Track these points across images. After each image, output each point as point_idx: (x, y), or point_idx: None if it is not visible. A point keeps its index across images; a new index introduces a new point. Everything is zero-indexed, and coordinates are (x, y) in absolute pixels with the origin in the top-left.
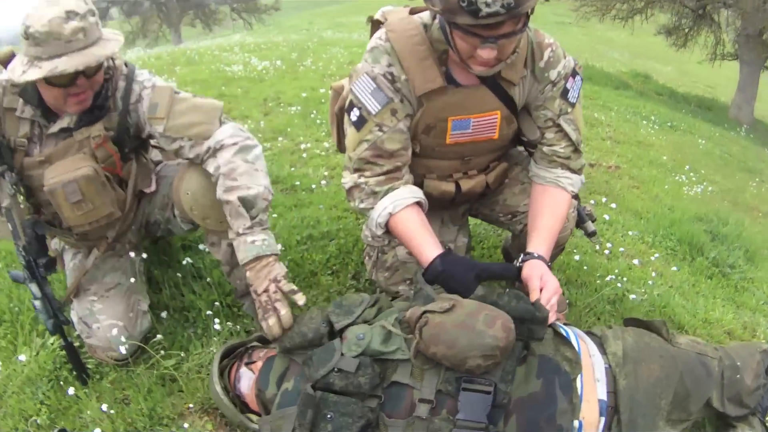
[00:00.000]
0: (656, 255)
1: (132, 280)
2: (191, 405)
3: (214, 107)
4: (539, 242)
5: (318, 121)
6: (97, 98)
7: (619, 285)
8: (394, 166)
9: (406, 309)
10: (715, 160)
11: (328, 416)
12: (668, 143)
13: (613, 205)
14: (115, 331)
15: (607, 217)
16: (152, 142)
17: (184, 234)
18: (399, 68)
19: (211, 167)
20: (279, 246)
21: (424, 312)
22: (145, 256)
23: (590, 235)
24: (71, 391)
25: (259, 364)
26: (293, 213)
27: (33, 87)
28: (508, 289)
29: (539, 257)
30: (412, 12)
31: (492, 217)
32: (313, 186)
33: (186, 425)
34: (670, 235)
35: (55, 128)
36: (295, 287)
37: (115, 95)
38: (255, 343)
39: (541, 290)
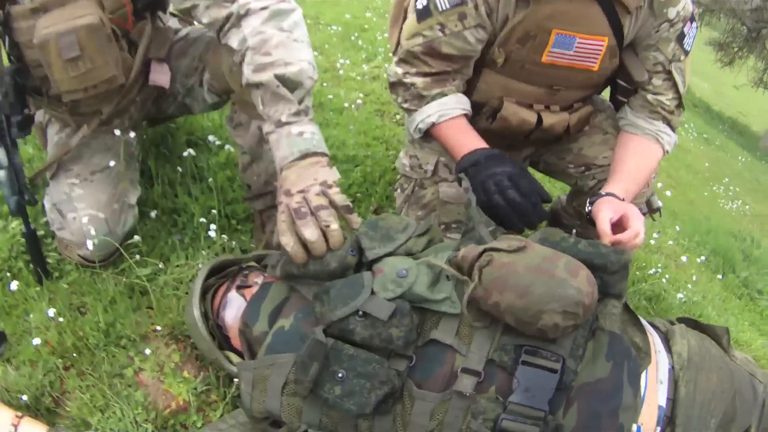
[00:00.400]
0: (699, 259)
1: (115, 164)
2: (159, 327)
3: None
4: (620, 185)
5: (360, 43)
6: None
7: (664, 281)
8: (444, 69)
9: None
10: (745, 182)
11: (339, 375)
12: (704, 153)
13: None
14: (89, 224)
15: None
16: None
17: (202, 111)
18: None
19: (234, 40)
20: None
21: (486, 250)
22: (132, 135)
23: (654, 211)
24: (14, 285)
25: (254, 290)
26: None
27: None
28: (575, 230)
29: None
30: None
31: (558, 168)
32: (346, 106)
33: (147, 351)
34: (705, 243)
35: None
36: (350, 203)
37: None
38: (252, 264)
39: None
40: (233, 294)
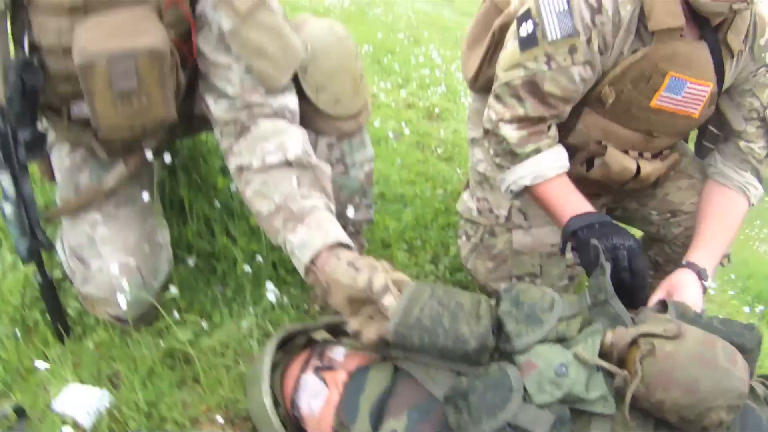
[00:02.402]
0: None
1: (147, 197)
2: (211, 408)
3: (297, 52)
4: (704, 251)
5: (395, 67)
6: None
7: None
8: (541, 114)
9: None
10: None
11: None
12: None
13: None
14: (120, 275)
15: None
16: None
17: None
18: None
19: (244, 154)
20: None
21: (642, 335)
22: (168, 160)
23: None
24: (39, 365)
25: (341, 375)
26: None
27: None
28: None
29: (692, 267)
30: None
31: (639, 214)
32: (389, 135)
33: None
34: (747, 288)
35: None
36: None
37: None
38: (324, 335)
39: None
40: (310, 377)
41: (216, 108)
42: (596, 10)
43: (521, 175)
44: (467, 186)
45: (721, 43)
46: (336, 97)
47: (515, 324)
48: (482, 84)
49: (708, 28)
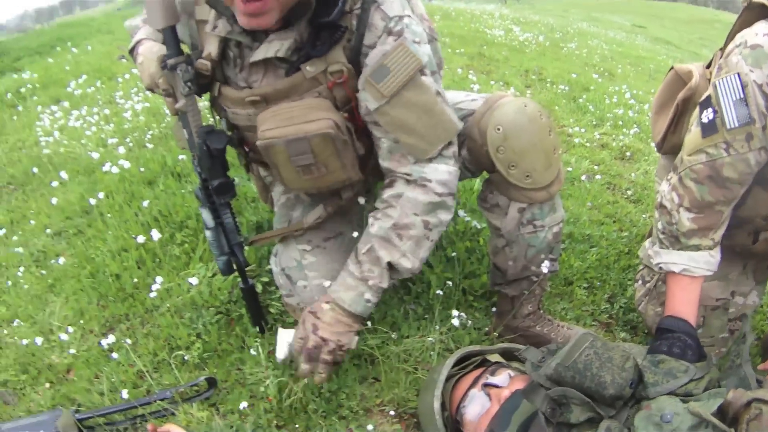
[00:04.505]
0: None
1: (355, 233)
2: (384, 403)
3: (449, 127)
4: None
5: (590, 107)
6: (297, 13)
7: None
8: (716, 199)
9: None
10: None
11: None
12: None
13: None
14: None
15: None
16: None
17: None
18: None
19: (388, 197)
20: None
21: (755, 400)
22: (362, 201)
23: None
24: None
25: (504, 393)
26: None
27: None
28: None
29: None
30: None
31: None
32: (584, 179)
33: (370, 426)
34: None
35: (258, 55)
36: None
37: (352, 14)
38: (497, 358)
39: None
40: (478, 392)
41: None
42: None
43: (675, 261)
44: (650, 233)
45: None
46: (526, 173)
47: (653, 376)
48: (668, 148)
49: None
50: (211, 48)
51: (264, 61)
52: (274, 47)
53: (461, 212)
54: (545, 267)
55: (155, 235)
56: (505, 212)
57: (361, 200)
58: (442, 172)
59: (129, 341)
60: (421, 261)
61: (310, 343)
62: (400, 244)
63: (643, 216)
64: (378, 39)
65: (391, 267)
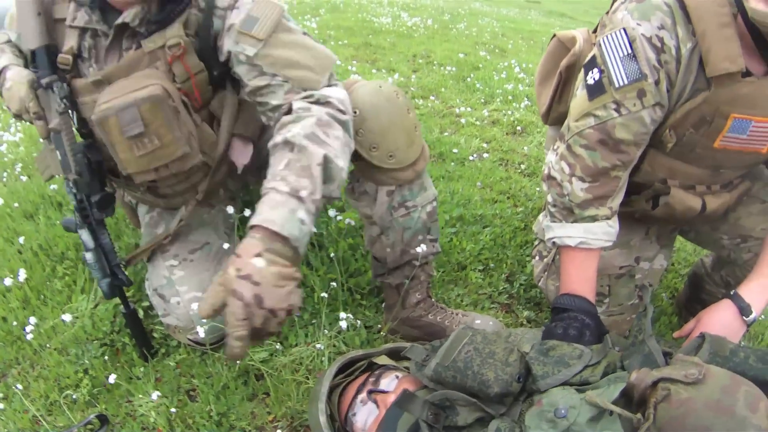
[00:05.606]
0: None
1: (226, 245)
2: (277, 418)
3: (329, 56)
4: (758, 285)
5: (477, 86)
6: None
7: None
8: (612, 164)
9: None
10: None
11: None
12: None
13: None
14: (195, 306)
15: None
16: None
17: None
18: (684, 32)
19: (297, 110)
20: None
21: (661, 380)
22: (248, 213)
23: None
24: (112, 379)
25: (391, 398)
26: (441, 185)
27: None
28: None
29: (737, 300)
30: None
31: (711, 238)
32: (471, 157)
33: None
34: None
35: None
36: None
37: None
38: (385, 360)
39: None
40: (364, 399)
41: (275, 100)
42: (660, 49)
43: (570, 234)
44: (545, 207)
45: None
46: (389, 153)
47: (542, 367)
48: (554, 119)
49: None
50: (72, 41)
51: (118, 50)
52: (124, 17)
53: (332, 212)
54: (423, 248)
55: (21, 275)
56: (374, 198)
57: (230, 209)
58: (338, 92)
59: (20, 386)
60: (345, 173)
61: (258, 320)
62: (330, 141)
63: (538, 189)
64: (235, 2)
65: (326, 169)
